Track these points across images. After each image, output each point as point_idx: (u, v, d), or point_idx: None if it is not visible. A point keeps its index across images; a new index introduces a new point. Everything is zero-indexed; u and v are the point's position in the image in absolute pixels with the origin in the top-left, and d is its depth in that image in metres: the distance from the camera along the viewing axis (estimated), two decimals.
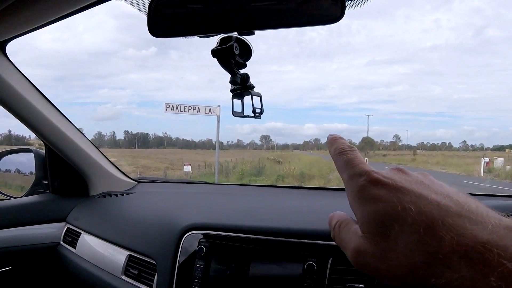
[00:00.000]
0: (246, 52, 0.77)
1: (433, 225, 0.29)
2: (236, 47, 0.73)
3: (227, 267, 0.93)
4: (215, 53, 0.74)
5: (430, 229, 0.29)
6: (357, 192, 0.34)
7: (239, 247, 0.93)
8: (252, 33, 0.66)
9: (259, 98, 0.81)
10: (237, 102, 0.83)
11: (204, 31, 0.65)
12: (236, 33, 0.68)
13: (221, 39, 0.74)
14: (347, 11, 0.57)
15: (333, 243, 0.84)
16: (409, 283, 0.30)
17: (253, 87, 0.80)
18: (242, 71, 0.79)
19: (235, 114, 0.82)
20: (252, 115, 0.81)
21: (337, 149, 0.40)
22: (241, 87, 0.79)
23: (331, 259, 0.84)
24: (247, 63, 0.79)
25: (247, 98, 0.82)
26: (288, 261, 0.87)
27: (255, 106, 0.80)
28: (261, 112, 0.82)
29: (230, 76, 0.79)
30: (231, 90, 0.81)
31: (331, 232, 0.39)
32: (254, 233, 0.93)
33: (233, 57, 0.74)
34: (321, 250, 0.85)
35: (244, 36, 0.73)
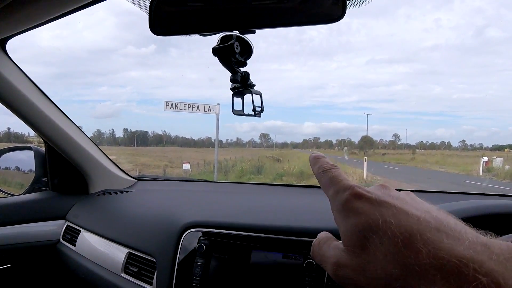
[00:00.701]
0: (247, 50, 0.77)
1: (412, 238, 0.30)
2: (236, 45, 0.73)
3: (227, 264, 0.93)
4: (215, 51, 0.74)
5: (408, 241, 0.30)
6: (341, 206, 0.34)
7: (239, 245, 0.94)
8: (253, 32, 0.66)
9: (259, 96, 0.81)
10: (238, 100, 0.83)
11: (205, 30, 0.65)
12: (237, 31, 0.68)
13: (222, 38, 0.74)
14: (348, 10, 0.57)
15: None
16: None
17: (254, 85, 0.80)
18: (242, 69, 0.79)
19: (235, 112, 0.82)
20: (252, 113, 0.81)
21: (321, 167, 0.40)
22: (242, 85, 0.79)
23: None
24: (247, 61, 0.79)
25: (247, 97, 0.82)
26: (287, 259, 0.87)
27: (255, 104, 0.80)
28: (261, 111, 0.82)
29: (230, 74, 0.79)
30: (231, 89, 0.81)
31: (310, 251, 0.39)
32: (254, 231, 0.93)
33: (233, 56, 0.75)
34: None
35: (245, 35, 0.73)
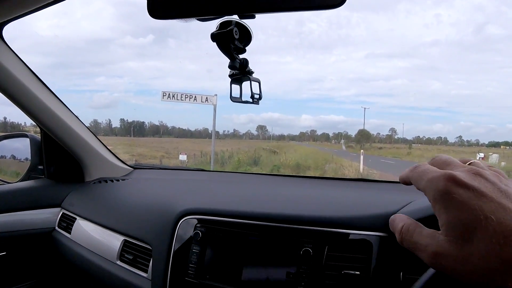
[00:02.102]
0: (246, 37, 0.76)
1: (510, 235, 0.31)
2: (236, 31, 0.73)
3: (223, 252, 0.93)
4: (214, 37, 0.73)
5: (507, 239, 0.31)
6: (440, 195, 0.36)
7: (235, 233, 0.93)
8: (253, 17, 0.64)
9: (257, 83, 0.80)
10: (236, 87, 0.82)
11: (204, 13, 0.64)
12: (236, 16, 0.67)
13: (221, 23, 0.73)
14: (348, 1, 0.56)
15: (330, 229, 0.84)
16: (485, 285, 0.32)
17: (252, 72, 0.80)
18: (241, 56, 0.79)
19: (233, 99, 0.82)
20: (251, 100, 0.80)
21: (412, 167, 0.42)
22: (240, 72, 0.79)
23: (327, 245, 0.84)
24: (246, 48, 0.78)
25: (245, 84, 0.81)
26: (284, 247, 0.87)
27: (253, 91, 0.80)
28: (260, 98, 0.81)
29: (229, 61, 0.78)
30: (229, 75, 0.80)
31: (396, 235, 0.41)
32: (251, 218, 0.93)
33: (232, 42, 0.74)
34: (318, 237, 0.85)
35: (244, 21, 0.72)
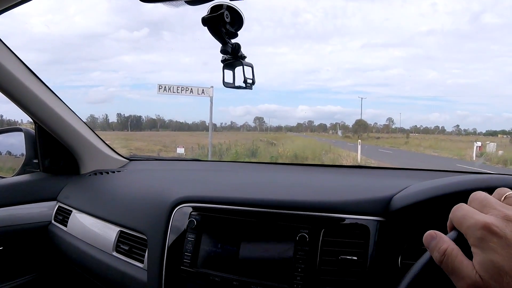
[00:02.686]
0: (238, 21, 0.75)
1: None
2: (227, 14, 0.71)
3: (218, 239, 0.92)
4: (205, 21, 0.72)
5: None
6: (478, 243, 0.39)
7: (231, 220, 0.93)
8: None
9: (250, 68, 0.79)
10: (229, 73, 0.81)
11: None
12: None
13: (212, 7, 0.72)
14: None
15: (326, 214, 0.84)
16: None
17: (245, 57, 0.79)
18: (233, 40, 0.77)
19: (226, 85, 0.81)
20: (244, 85, 0.79)
21: (454, 208, 0.44)
22: (232, 57, 0.78)
23: (323, 230, 0.83)
24: (238, 32, 0.77)
25: (238, 69, 0.80)
26: (280, 233, 0.86)
27: (246, 76, 0.79)
28: (253, 83, 0.80)
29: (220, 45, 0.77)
30: (222, 61, 0.79)
31: (435, 253, 0.42)
32: (246, 205, 0.92)
33: (224, 26, 0.73)
34: (313, 222, 0.85)
35: (235, 3, 0.71)
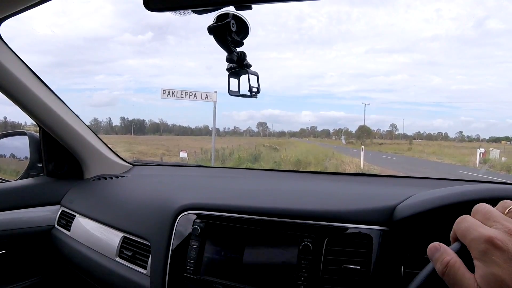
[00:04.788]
0: (243, 29, 0.75)
1: None
2: (233, 24, 0.72)
3: (221, 247, 0.92)
4: (211, 30, 0.72)
5: None
6: (481, 256, 0.40)
7: (234, 227, 0.93)
8: (250, 8, 0.64)
9: (256, 77, 0.80)
10: (234, 81, 0.82)
11: (199, 5, 0.63)
12: (233, 8, 0.66)
13: (218, 16, 0.73)
14: None
15: (329, 223, 0.84)
16: None
17: (250, 65, 0.79)
18: (239, 49, 0.78)
19: (231, 93, 0.81)
20: (249, 94, 0.80)
21: (458, 220, 0.45)
22: (238, 65, 0.78)
23: (326, 239, 0.83)
24: (244, 41, 0.77)
25: (243, 77, 0.80)
26: (283, 242, 0.86)
27: (251, 85, 0.79)
28: (258, 91, 0.80)
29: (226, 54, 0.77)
30: (227, 69, 0.79)
31: (437, 265, 0.43)
32: (250, 213, 0.92)
33: (229, 35, 0.73)
34: (317, 231, 0.85)
35: (241, 13, 0.71)
